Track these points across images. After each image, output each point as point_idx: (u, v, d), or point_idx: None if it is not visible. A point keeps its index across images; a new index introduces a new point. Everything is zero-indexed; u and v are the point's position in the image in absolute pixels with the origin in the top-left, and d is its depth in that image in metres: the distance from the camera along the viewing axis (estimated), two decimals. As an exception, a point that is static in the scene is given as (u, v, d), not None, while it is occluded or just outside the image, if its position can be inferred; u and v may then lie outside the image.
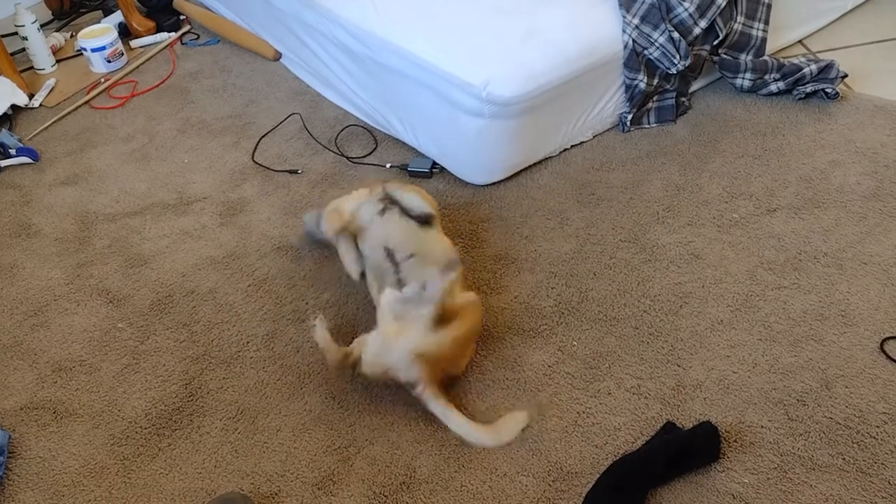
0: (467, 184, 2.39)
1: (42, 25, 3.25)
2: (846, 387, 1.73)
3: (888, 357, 1.78)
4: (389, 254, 1.85)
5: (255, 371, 1.93)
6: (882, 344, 1.81)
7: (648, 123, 2.53)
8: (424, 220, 1.94)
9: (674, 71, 2.40)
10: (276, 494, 1.67)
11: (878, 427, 1.65)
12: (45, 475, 1.75)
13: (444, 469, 1.67)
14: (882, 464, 1.58)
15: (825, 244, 2.07)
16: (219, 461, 1.74)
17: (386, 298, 1.79)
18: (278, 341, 1.99)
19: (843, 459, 1.60)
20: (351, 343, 1.79)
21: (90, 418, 1.86)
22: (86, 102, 2.99)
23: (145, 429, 1.83)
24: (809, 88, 2.51)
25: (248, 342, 2.00)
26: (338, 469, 1.70)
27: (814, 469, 1.59)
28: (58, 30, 3.46)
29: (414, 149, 2.51)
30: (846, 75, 2.54)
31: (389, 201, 1.97)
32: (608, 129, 2.53)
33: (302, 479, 1.69)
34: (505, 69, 2.18)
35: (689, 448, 1.62)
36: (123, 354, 2.01)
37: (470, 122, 2.25)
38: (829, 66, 2.52)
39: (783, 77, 2.52)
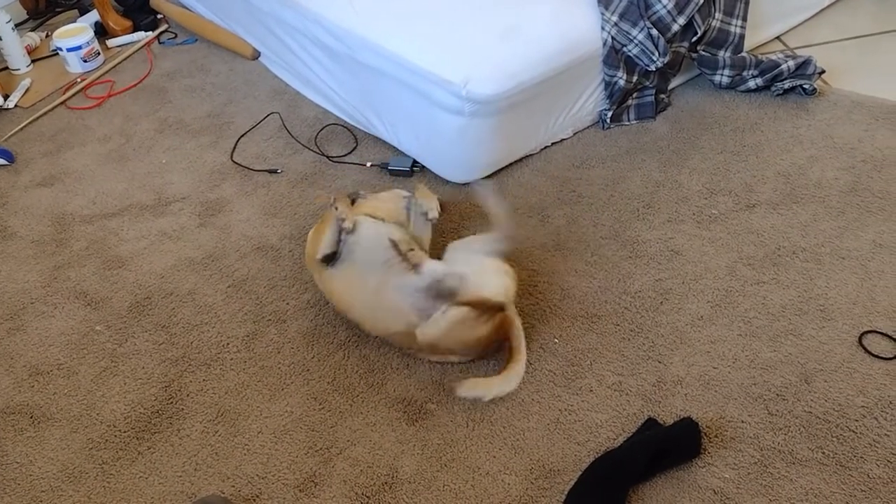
0: (448, 182, 2.38)
1: (17, 25, 3.21)
2: (825, 381, 1.74)
3: (866, 351, 1.79)
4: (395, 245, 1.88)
5: (235, 373, 1.91)
6: (860, 338, 1.82)
7: (628, 120, 2.54)
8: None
9: (653, 68, 2.41)
10: (258, 497, 1.66)
11: (856, 421, 1.66)
12: (22, 481, 1.73)
13: (427, 469, 1.67)
14: (861, 457, 1.60)
15: (804, 239, 2.08)
16: (199, 464, 1.73)
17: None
18: (259, 342, 1.98)
19: (823, 453, 1.61)
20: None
21: (68, 422, 1.84)
22: (62, 103, 2.96)
23: (124, 432, 1.81)
24: (787, 84, 2.52)
25: (227, 344, 1.98)
26: (319, 470, 1.69)
27: (794, 463, 1.60)
28: (33, 29, 3.43)
29: (394, 147, 2.50)
30: (823, 71, 2.55)
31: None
32: (588, 127, 2.53)
33: (283, 481, 1.68)
34: (485, 67, 2.17)
35: (671, 444, 1.62)
36: (101, 357, 1.98)
37: (450, 120, 2.24)
38: (806, 63, 2.53)
39: (761, 73, 2.53)
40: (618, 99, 2.46)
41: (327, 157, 2.54)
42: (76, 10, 3.52)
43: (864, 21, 2.93)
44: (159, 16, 3.38)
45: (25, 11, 3.51)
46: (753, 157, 2.36)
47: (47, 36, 3.35)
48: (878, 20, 2.93)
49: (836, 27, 2.91)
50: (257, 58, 3.04)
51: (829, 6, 2.98)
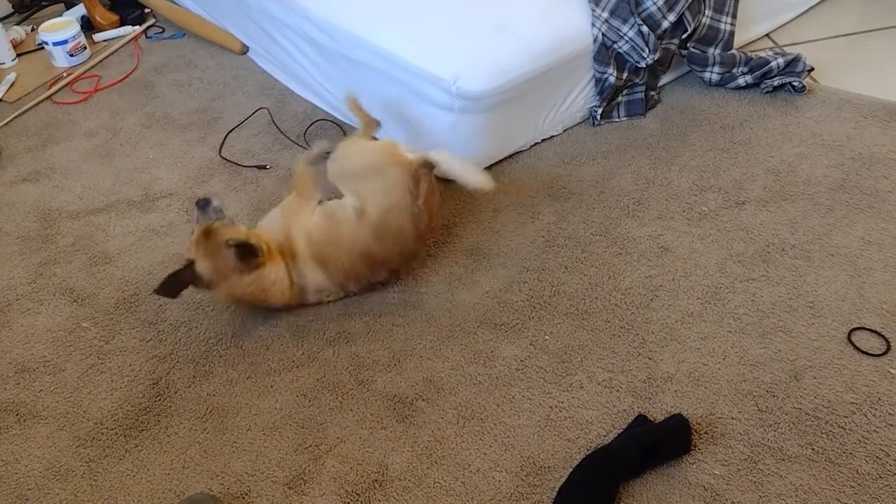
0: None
1: (2, 19, 3.19)
2: (815, 377, 1.74)
3: (855, 347, 1.80)
4: None
5: (223, 369, 1.90)
6: (849, 334, 1.83)
7: (618, 117, 2.54)
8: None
9: (643, 65, 2.41)
10: (247, 494, 1.64)
11: (846, 417, 1.66)
12: (8, 479, 1.71)
13: (417, 466, 1.66)
14: (850, 453, 1.60)
15: (793, 236, 2.09)
16: (187, 462, 1.71)
17: None
18: (247, 339, 1.96)
19: (813, 449, 1.61)
20: None
21: (54, 420, 1.82)
22: (48, 97, 2.93)
23: (111, 430, 1.79)
24: (777, 82, 2.53)
25: (216, 340, 1.97)
26: (309, 468, 1.68)
27: (783, 459, 1.60)
28: (18, 23, 3.39)
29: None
30: (813, 69, 2.56)
31: None
32: (578, 124, 2.53)
33: (272, 478, 1.67)
34: (475, 63, 2.16)
35: (661, 441, 1.63)
36: (88, 354, 1.97)
37: (440, 117, 2.23)
38: (795, 60, 2.54)
39: (751, 71, 2.54)
40: (608, 96, 2.46)
41: (316, 152, 2.52)
42: (62, 4, 3.48)
43: (851, 19, 2.94)
44: (146, 10, 3.35)
45: (11, 5, 3.47)
46: (743, 154, 2.36)
47: (33, 30, 3.31)
48: (866, 18, 2.94)
49: (825, 25, 2.92)
50: (245, 53, 3.02)
51: (817, 4, 2.99)
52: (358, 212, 1.94)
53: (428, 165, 1.96)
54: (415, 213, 1.92)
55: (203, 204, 1.93)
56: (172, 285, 1.88)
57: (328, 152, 2.10)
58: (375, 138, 2.23)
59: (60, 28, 3.08)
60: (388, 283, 2.02)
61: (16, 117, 2.83)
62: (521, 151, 2.44)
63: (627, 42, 2.36)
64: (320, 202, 2.05)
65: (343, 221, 1.96)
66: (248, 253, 1.86)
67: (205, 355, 1.94)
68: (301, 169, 2.09)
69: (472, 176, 1.94)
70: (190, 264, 1.89)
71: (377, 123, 2.17)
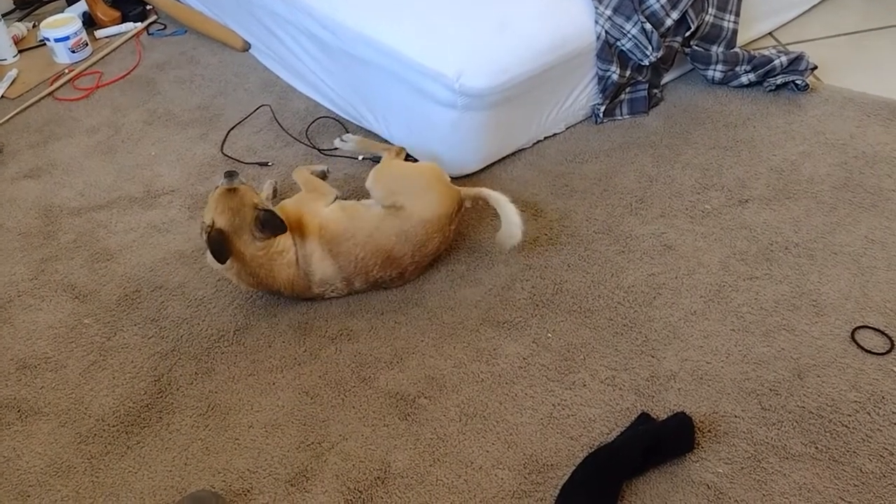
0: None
1: (3, 15, 3.18)
2: (818, 376, 1.74)
3: (859, 346, 1.80)
4: None
5: (225, 366, 1.90)
6: (853, 333, 1.82)
7: (621, 115, 2.53)
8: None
9: (646, 62, 2.40)
10: (248, 491, 1.64)
11: (849, 416, 1.66)
12: (9, 475, 1.71)
13: (420, 463, 1.66)
14: (854, 452, 1.60)
15: (796, 235, 2.08)
16: (189, 458, 1.71)
17: None
18: (250, 336, 1.96)
19: (816, 448, 1.61)
20: None
21: (56, 417, 1.82)
22: (49, 94, 2.93)
23: (113, 427, 1.79)
24: (780, 80, 2.52)
25: (218, 337, 1.97)
26: (311, 465, 1.68)
27: (787, 458, 1.60)
28: (20, 19, 3.39)
29: (386, 140, 2.49)
30: (816, 67, 2.56)
31: None
32: (581, 121, 2.53)
33: (274, 475, 1.67)
34: (478, 60, 2.16)
35: (664, 439, 1.62)
36: (90, 351, 1.96)
37: (443, 114, 2.23)
38: (799, 58, 2.54)
39: (754, 69, 2.54)
40: (611, 93, 2.45)
41: (318, 149, 2.52)
42: (64, 1, 3.48)
43: (854, 18, 2.94)
44: (148, 7, 3.35)
45: (12, 1, 3.47)
46: (746, 152, 2.36)
47: (34, 26, 3.31)
48: (868, 17, 2.94)
49: (828, 24, 2.91)
50: (247, 49, 3.01)
51: (820, 3, 2.99)
52: (389, 210, 1.98)
53: (476, 200, 2.07)
54: (444, 234, 1.99)
55: (230, 173, 1.98)
56: (216, 250, 1.87)
57: (327, 171, 2.28)
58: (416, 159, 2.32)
59: (62, 24, 3.07)
60: (390, 285, 2.02)
61: (17, 114, 2.83)
62: (523, 149, 2.44)
63: (631, 40, 2.35)
64: (336, 198, 2.10)
65: (365, 215, 2.00)
66: (272, 224, 1.89)
67: (207, 352, 1.93)
68: (307, 176, 2.16)
69: (514, 228, 1.98)
70: (212, 226, 1.88)
71: (402, 149, 2.27)
